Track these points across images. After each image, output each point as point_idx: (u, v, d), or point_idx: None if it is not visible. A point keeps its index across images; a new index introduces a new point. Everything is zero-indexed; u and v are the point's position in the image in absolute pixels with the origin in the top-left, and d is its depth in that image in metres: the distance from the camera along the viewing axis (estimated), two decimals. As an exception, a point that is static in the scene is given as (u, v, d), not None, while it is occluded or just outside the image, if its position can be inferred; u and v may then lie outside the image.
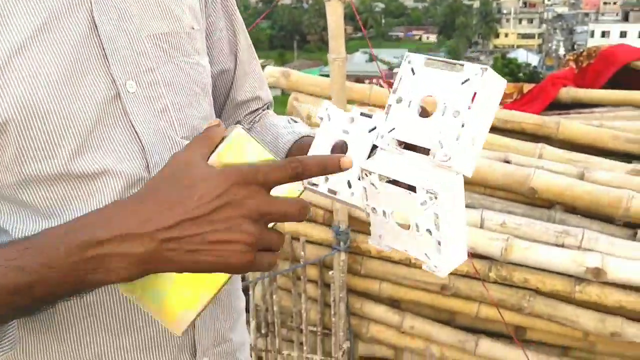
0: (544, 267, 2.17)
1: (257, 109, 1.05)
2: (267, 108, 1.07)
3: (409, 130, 0.65)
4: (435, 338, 2.52)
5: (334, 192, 0.71)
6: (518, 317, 2.36)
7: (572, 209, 2.37)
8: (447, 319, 2.57)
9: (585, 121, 3.07)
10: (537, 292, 2.26)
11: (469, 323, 2.53)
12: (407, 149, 0.66)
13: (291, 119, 1.02)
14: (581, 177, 2.37)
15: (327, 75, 2.59)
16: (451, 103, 0.63)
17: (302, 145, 0.93)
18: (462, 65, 0.63)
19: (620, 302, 2.11)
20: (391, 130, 0.67)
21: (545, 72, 39.27)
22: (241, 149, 0.66)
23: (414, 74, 0.66)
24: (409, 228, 0.65)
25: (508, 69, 36.71)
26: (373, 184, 0.65)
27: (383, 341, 2.66)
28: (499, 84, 0.63)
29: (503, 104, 3.66)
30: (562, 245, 2.18)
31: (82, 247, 0.59)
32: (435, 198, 0.60)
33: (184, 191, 0.60)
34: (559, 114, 3.47)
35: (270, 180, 0.61)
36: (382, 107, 3.18)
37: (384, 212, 0.67)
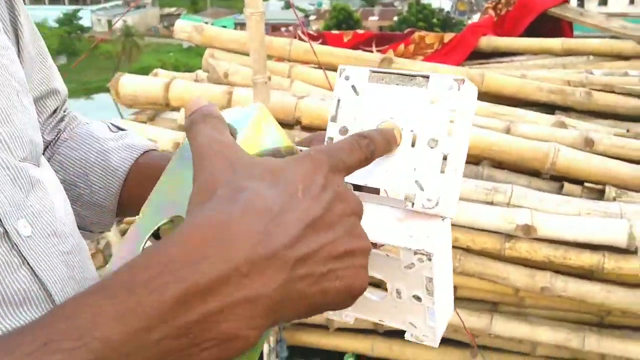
0: (475, 225, 2.13)
1: (56, 110, 0.74)
2: (66, 107, 0.76)
3: (365, 171, 0.49)
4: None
5: None
6: (448, 276, 2.33)
7: (498, 164, 2.34)
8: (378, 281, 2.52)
9: (507, 71, 3.05)
10: (468, 250, 2.23)
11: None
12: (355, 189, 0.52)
13: (114, 125, 0.76)
14: (507, 131, 2.33)
15: (243, 24, 2.43)
16: (422, 130, 0.49)
17: (148, 165, 0.71)
18: (426, 77, 0.50)
19: (549, 257, 2.10)
20: None
21: (458, 17, 39.77)
22: (261, 133, 0.51)
23: (357, 93, 0.52)
24: (382, 295, 0.52)
25: (422, 14, 36.85)
26: None
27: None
28: (474, 94, 0.51)
29: (424, 55, 3.60)
30: (492, 203, 2.14)
31: (177, 306, 0.35)
32: (429, 260, 0.47)
33: (277, 187, 0.40)
34: (480, 63, 3.45)
35: (353, 167, 0.45)
36: (303, 62, 3.05)
37: None
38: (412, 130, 0.50)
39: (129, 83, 2.51)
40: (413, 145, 0.49)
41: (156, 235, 0.50)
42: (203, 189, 0.41)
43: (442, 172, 0.48)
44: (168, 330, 0.35)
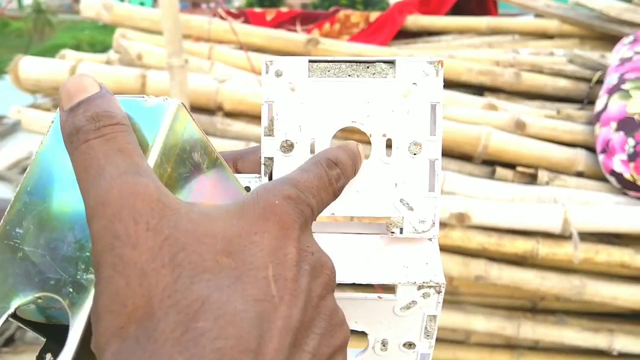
0: (407, 214, 2.04)
1: None
2: None
3: None
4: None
5: None
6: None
7: (430, 148, 2.26)
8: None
9: (435, 51, 2.97)
10: (400, 240, 2.14)
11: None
12: None
13: None
14: (438, 114, 2.25)
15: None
16: (399, 133, 0.38)
17: None
18: (390, 63, 0.38)
19: (483, 245, 2.04)
20: None
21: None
22: (175, 136, 0.33)
23: (296, 94, 0.39)
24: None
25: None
26: None
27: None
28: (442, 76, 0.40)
29: (350, 35, 3.49)
30: (425, 190, 2.06)
31: None
32: (438, 292, 0.39)
33: (241, 283, 0.27)
34: (407, 43, 3.37)
35: (320, 211, 0.34)
36: (224, 42, 2.88)
37: None
38: (384, 135, 0.39)
39: (31, 67, 2.28)
40: (389, 154, 0.38)
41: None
42: (117, 306, 0.24)
43: (432, 184, 0.38)
44: None
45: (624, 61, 2.32)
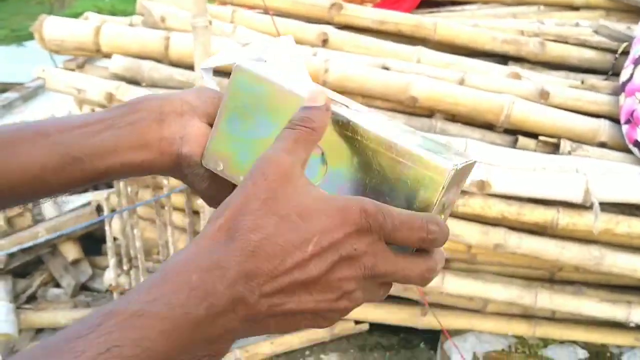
0: (427, 181, 2.04)
1: None
2: None
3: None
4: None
5: None
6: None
7: (451, 116, 2.24)
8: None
9: (460, 20, 2.94)
10: (420, 207, 2.14)
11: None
12: None
13: None
14: (461, 82, 2.23)
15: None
16: None
17: None
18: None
19: (503, 213, 2.04)
20: None
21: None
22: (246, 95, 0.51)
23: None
24: None
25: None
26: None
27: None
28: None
29: (373, 3, 3.46)
30: (446, 158, 2.05)
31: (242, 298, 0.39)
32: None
33: (295, 232, 0.41)
34: (431, 12, 3.33)
35: (397, 238, 0.43)
36: (248, 7, 2.86)
37: None
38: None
39: (55, 26, 2.28)
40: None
41: None
42: (240, 200, 0.42)
43: None
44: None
45: (652, 32, 2.29)
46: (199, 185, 0.55)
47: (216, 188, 0.54)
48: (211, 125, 0.53)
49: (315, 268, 0.40)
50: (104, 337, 0.34)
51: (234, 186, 0.45)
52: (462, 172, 0.45)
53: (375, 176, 0.46)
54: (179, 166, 0.53)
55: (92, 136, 0.51)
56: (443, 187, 0.44)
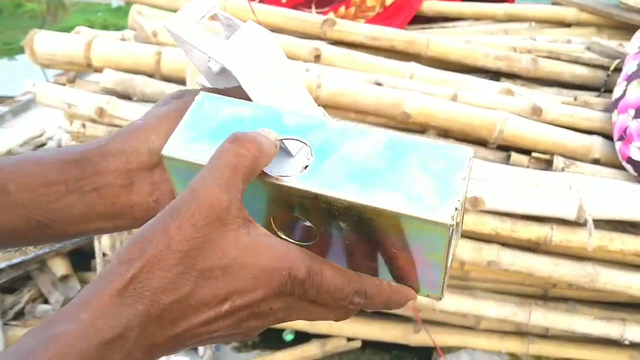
0: (420, 197, 2.02)
1: None
2: None
3: None
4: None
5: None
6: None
7: (444, 132, 2.24)
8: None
9: (452, 36, 2.95)
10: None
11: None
12: None
13: None
14: (454, 98, 2.23)
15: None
16: None
17: None
18: None
19: (496, 230, 2.03)
20: None
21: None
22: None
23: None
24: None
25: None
26: None
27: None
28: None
29: (365, 19, 3.47)
30: (439, 174, 2.04)
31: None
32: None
33: (214, 289, 0.38)
34: (423, 28, 3.34)
35: (317, 301, 0.43)
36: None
37: None
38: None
39: (46, 41, 2.27)
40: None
41: None
42: (158, 248, 0.37)
43: None
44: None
45: (644, 49, 2.29)
46: None
47: None
48: None
49: (223, 324, 0.39)
50: None
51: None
52: (461, 207, 0.41)
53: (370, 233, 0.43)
54: None
55: (57, 200, 0.46)
56: (448, 239, 0.40)
